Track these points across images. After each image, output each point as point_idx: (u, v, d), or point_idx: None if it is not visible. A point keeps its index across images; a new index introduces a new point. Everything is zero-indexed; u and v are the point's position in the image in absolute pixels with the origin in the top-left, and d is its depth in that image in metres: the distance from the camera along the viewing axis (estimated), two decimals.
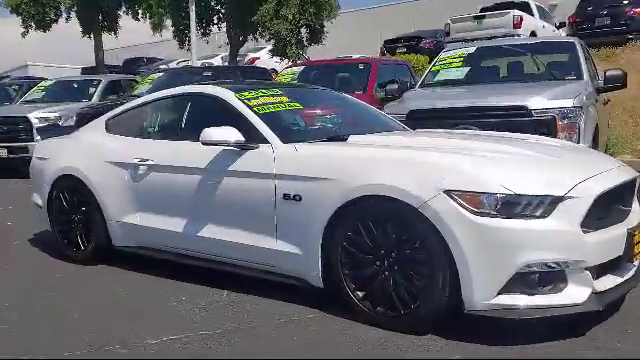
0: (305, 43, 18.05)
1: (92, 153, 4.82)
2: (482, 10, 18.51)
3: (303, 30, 17.67)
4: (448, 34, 17.51)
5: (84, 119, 9.68)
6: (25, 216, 7.06)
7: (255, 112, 4.03)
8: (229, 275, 4.06)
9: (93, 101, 12.06)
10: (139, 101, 4.88)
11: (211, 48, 23.84)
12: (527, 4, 17.84)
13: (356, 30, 31.52)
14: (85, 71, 26.32)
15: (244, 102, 4.11)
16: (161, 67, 26.09)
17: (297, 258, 3.60)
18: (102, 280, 4.42)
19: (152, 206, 4.40)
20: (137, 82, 13.95)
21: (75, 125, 9.79)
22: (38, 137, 10.76)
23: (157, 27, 24.36)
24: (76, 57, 34.22)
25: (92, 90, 12.52)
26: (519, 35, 16.46)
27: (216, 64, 22.39)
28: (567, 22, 16.68)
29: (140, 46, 36.53)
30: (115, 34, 25.41)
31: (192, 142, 4.20)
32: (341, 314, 3.46)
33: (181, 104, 4.55)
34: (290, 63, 15.50)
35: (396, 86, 7.95)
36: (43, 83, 13.77)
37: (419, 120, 5.58)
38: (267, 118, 4.00)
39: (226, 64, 21.90)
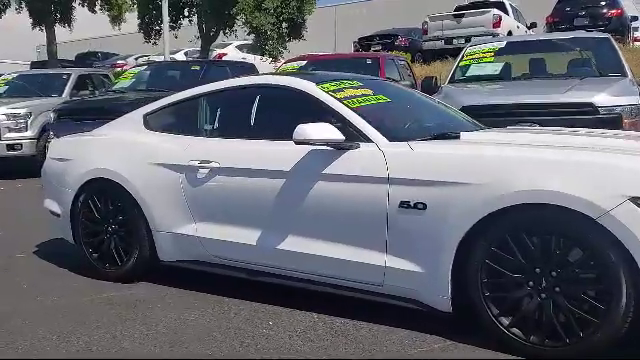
0: (285, 38, 17.37)
1: (132, 153, 4.15)
2: (457, 9, 18.38)
3: (284, 24, 16.97)
4: (426, 32, 17.28)
5: (65, 115, 8.84)
6: (14, 223, 6.29)
7: (347, 106, 3.48)
8: (297, 294, 3.55)
9: (64, 96, 11.11)
10: (188, 94, 4.22)
11: (177, 43, 22.79)
12: (502, 3, 17.78)
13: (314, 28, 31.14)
14: (35, 65, 24.81)
15: (331, 95, 3.56)
16: (119, 62, 24.98)
17: (416, 277, 3.07)
18: (155, 301, 3.77)
19: (216, 215, 3.78)
20: (108, 76, 13.08)
21: (55, 122, 8.92)
22: (8, 134, 9.86)
23: (116, 20, 23.14)
24: (11, 52, 32.17)
25: (62, 85, 11.56)
26: (498, 34, 16.41)
27: (179, 59, 21.42)
28: (545, 22, 16.66)
29: (91, 40, 34.85)
30: (69, 26, 24.01)
31: (269, 141, 3.64)
32: (470, 341, 2.96)
33: (248, 97, 3.91)
34: (269, 59, 14.88)
35: (409, 82, 7.55)
36: (4, 77, 12.68)
37: (474, 117, 5.14)
38: (362, 113, 3.46)
39: (190, 59, 21.00)
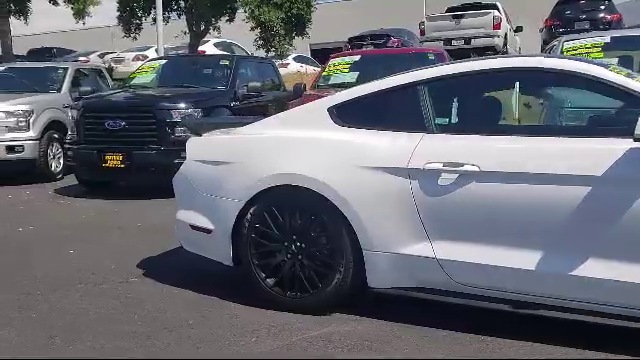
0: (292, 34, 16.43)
1: (328, 155, 3.33)
2: (448, 10, 18.04)
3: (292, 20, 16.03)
4: (423, 33, 16.83)
5: (89, 112, 7.67)
6: (73, 238, 5.23)
7: None
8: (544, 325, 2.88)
9: (63, 92, 9.92)
10: (400, 81, 3.40)
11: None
12: (495, 5, 17.57)
13: None
14: None
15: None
16: (81, 59, 23.34)
17: None
18: (390, 341, 2.97)
19: (469, 232, 3.01)
20: (102, 72, 11.90)
21: (80, 119, 7.73)
22: (8, 134, 8.53)
23: (80, 13, 21.48)
24: None
25: (58, 80, 10.29)
26: (498, 36, 16.17)
27: (151, 57, 20.11)
28: (544, 24, 16.52)
29: (51, 34, 32.36)
30: (25, 19, 22.12)
31: (553, 138, 2.93)
32: None
33: (501, 83, 3.19)
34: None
35: None
36: None
37: None
38: None
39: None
